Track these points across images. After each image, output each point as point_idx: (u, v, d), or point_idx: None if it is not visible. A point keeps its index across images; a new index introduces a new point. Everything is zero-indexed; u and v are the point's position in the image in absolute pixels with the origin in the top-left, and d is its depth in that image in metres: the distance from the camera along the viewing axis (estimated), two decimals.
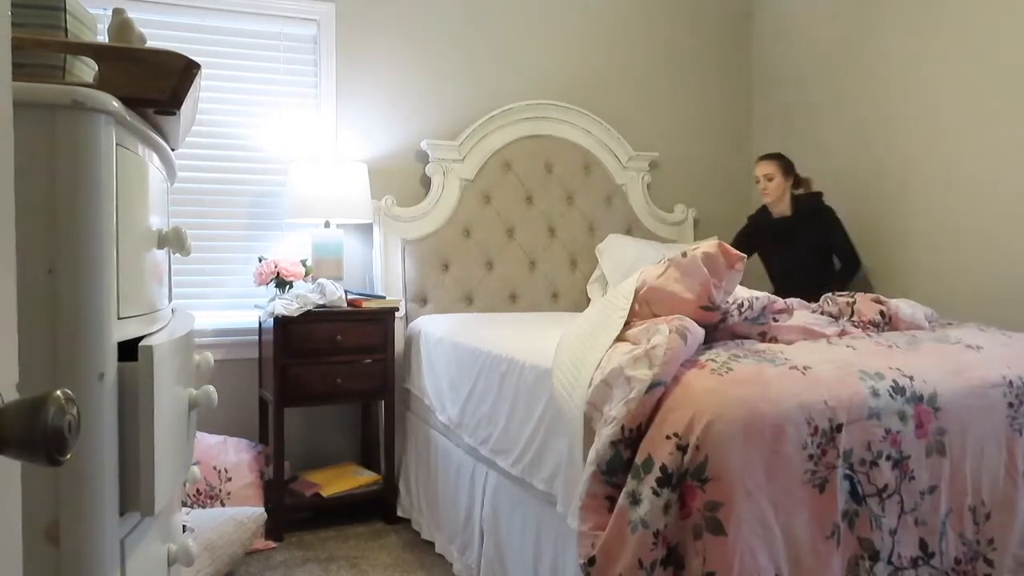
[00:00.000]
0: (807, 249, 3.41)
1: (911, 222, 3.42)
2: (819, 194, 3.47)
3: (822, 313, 2.34)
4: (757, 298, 2.07)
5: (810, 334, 2.08)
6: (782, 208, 3.46)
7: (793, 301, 2.31)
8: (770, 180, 3.41)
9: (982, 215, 3.11)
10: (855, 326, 2.25)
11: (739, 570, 1.46)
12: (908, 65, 3.42)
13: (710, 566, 1.46)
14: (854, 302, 2.34)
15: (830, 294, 2.43)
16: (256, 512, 2.59)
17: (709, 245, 1.95)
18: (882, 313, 2.31)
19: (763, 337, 2.03)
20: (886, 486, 1.67)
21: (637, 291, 1.98)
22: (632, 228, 3.90)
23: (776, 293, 2.81)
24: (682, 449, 1.53)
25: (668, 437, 1.55)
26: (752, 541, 1.48)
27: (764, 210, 3.55)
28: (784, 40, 4.12)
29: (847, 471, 1.63)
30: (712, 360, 1.76)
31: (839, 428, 1.62)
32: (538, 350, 2.19)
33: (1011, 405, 1.89)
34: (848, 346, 1.98)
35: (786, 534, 1.53)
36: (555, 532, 1.97)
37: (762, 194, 3.47)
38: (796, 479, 1.57)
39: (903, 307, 2.38)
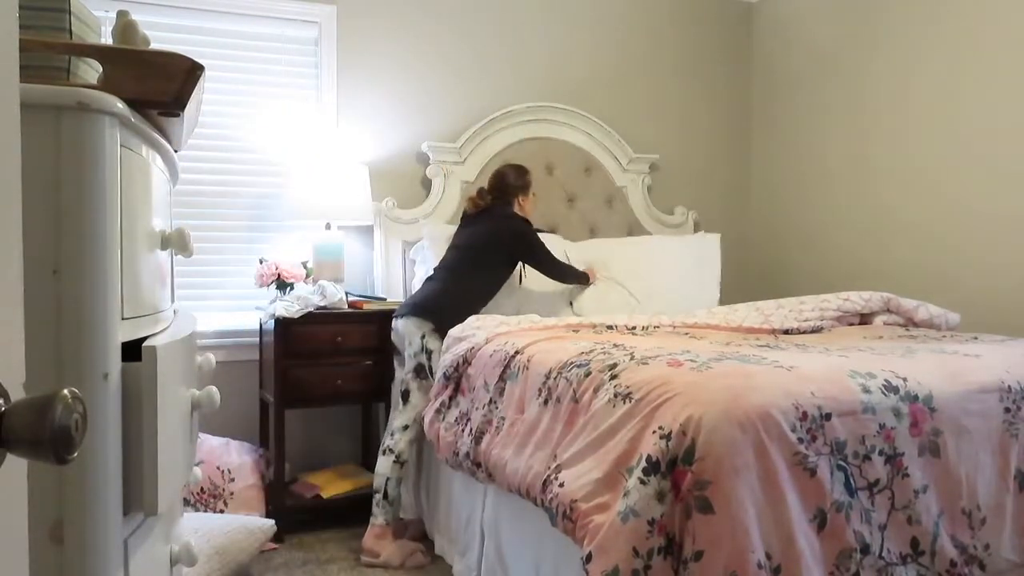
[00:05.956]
0: None
1: (909, 223, 3.42)
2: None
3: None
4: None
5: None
6: None
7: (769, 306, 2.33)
8: None
9: (983, 216, 3.12)
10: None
11: (729, 548, 1.45)
12: (909, 65, 3.42)
13: (700, 545, 1.45)
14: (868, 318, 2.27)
15: (851, 294, 2.28)
16: (267, 524, 2.62)
17: None
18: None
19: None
20: (877, 480, 1.67)
21: None
22: (632, 230, 3.90)
23: None
24: (665, 437, 1.55)
25: (654, 432, 1.58)
26: (742, 519, 1.47)
27: None
28: (784, 40, 4.12)
29: (840, 462, 1.63)
30: (691, 360, 1.80)
31: (828, 416, 1.63)
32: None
33: (1008, 410, 1.89)
34: (841, 355, 1.99)
35: (776, 515, 1.53)
36: (557, 533, 1.97)
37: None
38: (786, 460, 1.56)
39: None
